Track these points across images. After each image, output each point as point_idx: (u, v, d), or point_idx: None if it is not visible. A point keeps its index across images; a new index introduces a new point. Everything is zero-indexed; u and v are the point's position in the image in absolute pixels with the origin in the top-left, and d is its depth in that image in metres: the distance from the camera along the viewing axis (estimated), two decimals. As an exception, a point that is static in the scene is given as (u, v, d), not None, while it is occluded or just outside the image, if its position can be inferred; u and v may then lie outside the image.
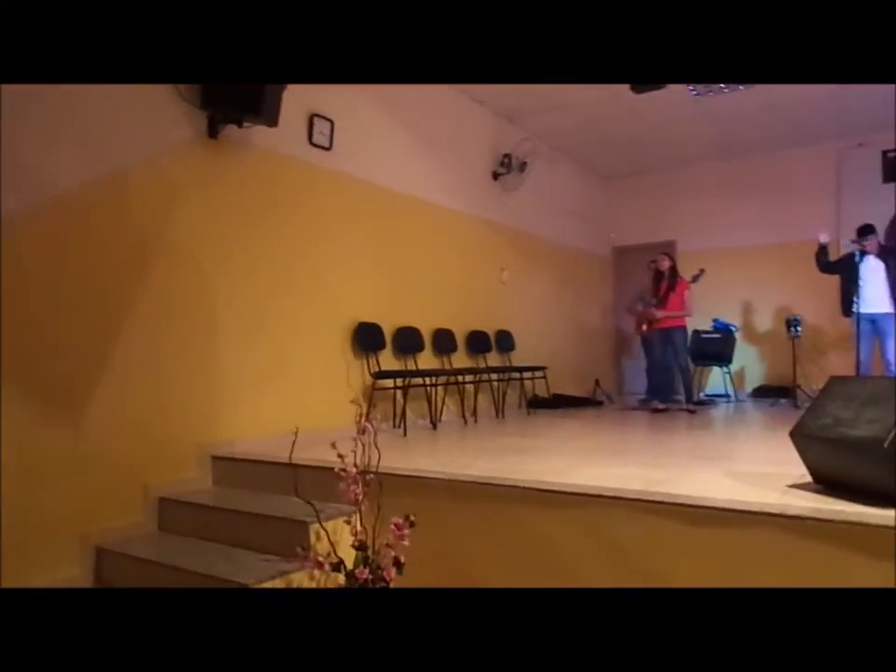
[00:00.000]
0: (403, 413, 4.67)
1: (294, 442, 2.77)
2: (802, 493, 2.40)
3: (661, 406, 5.92)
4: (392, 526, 2.63)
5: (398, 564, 2.62)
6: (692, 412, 5.79)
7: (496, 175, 6.37)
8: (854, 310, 5.39)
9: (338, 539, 2.96)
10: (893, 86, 5.87)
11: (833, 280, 7.31)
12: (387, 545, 2.62)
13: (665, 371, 6.03)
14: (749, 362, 7.81)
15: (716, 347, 7.13)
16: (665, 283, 5.97)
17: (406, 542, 2.60)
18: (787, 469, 2.94)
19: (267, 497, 3.40)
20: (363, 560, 2.66)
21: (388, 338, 5.02)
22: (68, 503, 3.07)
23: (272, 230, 4.18)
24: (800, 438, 2.48)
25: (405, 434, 4.43)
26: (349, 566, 2.68)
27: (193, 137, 3.74)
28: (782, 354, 7.63)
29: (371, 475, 2.77)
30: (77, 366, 3.16)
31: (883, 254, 5.37)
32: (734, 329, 7.40)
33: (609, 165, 8.27)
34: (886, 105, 6.39)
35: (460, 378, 5.36)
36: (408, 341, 5.16)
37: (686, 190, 8.25)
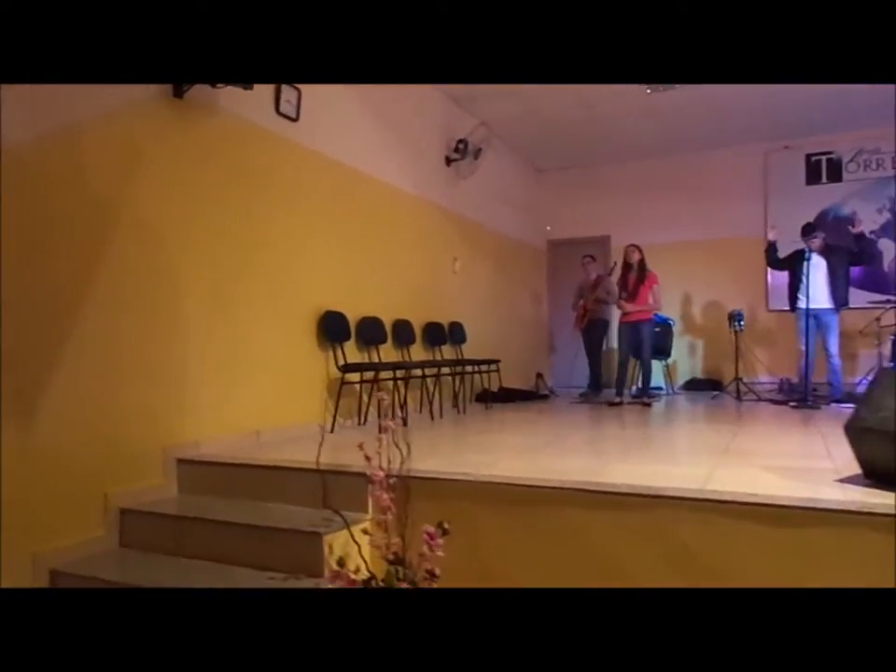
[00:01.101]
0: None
1: (321, 445, 2.42)
2: (859, 488, 2.34)
3: (617, 399, 5.91)
4: (425, 535, 2.36)
5: (432, 576, 2.35)
6: (647, 405, 5.82)
7: (448, 161, 6.13)
8: (799, 306, 5.58)
9: (349, 551, 2.64)
10: (818, 90, 6.16)
11: (759, 276, 7.70)
12: (420, 556, 2.34)
13: (623, 365, 6.04)
14: (679, 356, 8.02)
15: (657, 341, 7.23)
16: (634, 275, 5.94)
17: (441, 553, 2.33)
18: (813, 462, 2.93)
19: (250, 504, 3.00)
20: (396, 575, 2.36)
21: (353, 328, 4.66)
22: (15, 518, 2.55)
23: (238, 206, 3.74)
24: (856, 431, 2.43)
25: (380, 431, 4.10)
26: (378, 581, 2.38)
27: (156, 94, 3.25)
28: (713, 347, 7.91)
29: (395, 478, 2.48)
30: (25, 356, 2.64)
31: (825, 252, 5.59)
32: (672, 322, 7.56)
33: (547, 157, 8.22)
34: (811, 110, 6.71)
35: (428, 371, 5.09)
36: (372, 332, 4.83)
37: (621, 186, 8.35)
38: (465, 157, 6.09)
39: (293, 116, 4.12)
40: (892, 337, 6.39)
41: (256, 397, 3.82)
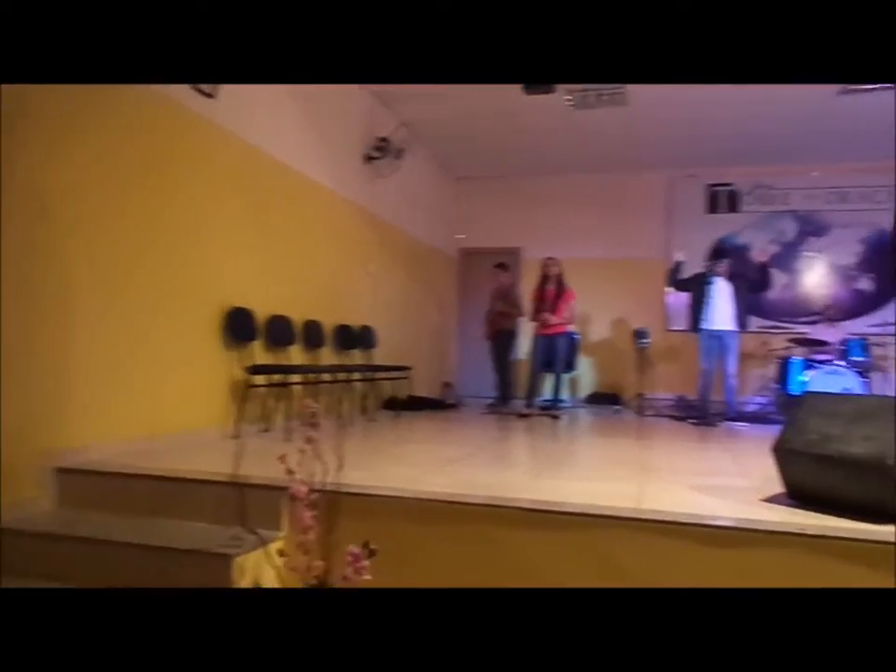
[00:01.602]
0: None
1: (238, 455, 2.16)
2: (786, 508, 2.37)
3: (526, 411, 5.90)
4: (349, 557, 2.16)
5: (355, 602, 2.15)
6: (556, 417, 5.84)
7: (368, 159, 5.93)
8: (703, 327, 5.79)
9: (262, 574, 2.39)
10: (726, 125, 6.48)
11: (659, 297, 8.00)
12: (344, 579, 2.14)
13: (535, 377, 6.04)
14: (581, 370, 8.17)
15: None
16: (553, 288, 5.95)
17: (367, 576, 2.14)
18: (732, 481, 2.98)
19: (145, 521, 2.67)
20: (316, 601, 2.14)
21: (261, 327, 4.36)
22: None
23: (142, 184, 3.38)
24: (783, 453, 2.46)
25: (289, 440, 3.84)
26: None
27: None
28: (613, 363, 8.12)
29: (317, 494, 2.27)
30: None
31: (730, 277, 5.84)
32: (577, 336, 7.68)
33: (466, 165, 8.18)
34: (717, 143, 7.05)
35: (342, 376, 4.85)
36: (281, 332, 4.54)
37: (536, 199, 8.43)
38: (386, 156, 5.91)
39: (209, 91, 3.79)
40: (778, 360, 6.79)
41: (151, 398, 3.46)
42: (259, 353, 4.31)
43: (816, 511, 2.30)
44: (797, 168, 7.51)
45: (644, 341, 6.88)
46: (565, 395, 7.66)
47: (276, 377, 4.24)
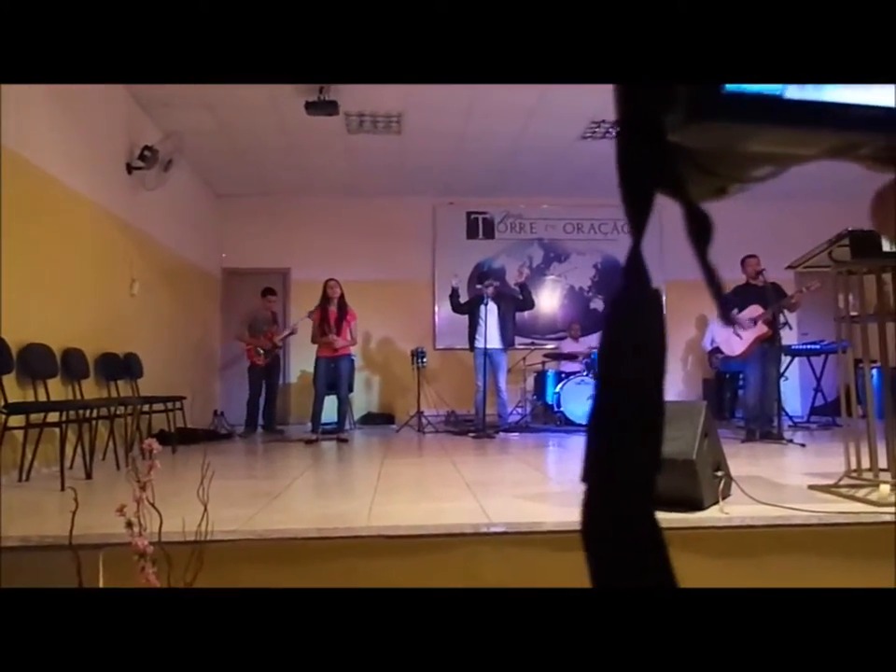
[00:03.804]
0: (62, 458, 3.45)
1: (74, 513, 1.79)
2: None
3: (314, 437, 5.74)
4: (200, 616, 1.92)
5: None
6: (344, 440, 5.78)
7: (130, 168, 5.33)
8: (476, 346, 6.19)
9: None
10: (484, 158, 7.07)
11: (427, 317, 8.39)
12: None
13: (321, 401, 5.90)
14: (355, 391, 8.18)
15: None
16: (335, 310, 5.85)
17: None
18: (547, 487, 3.22)
19: None
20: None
21: (14, 358, 3.66)
22: None
23: None
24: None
25: (63, 488, 3.26)
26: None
27: None
28: (387, 383, 8.28)
29: (151, 547, 1.98)
30: None
31: (496, 298, 6.32)
32: (354, 358, 7.69)
33: (230, 181, 7.75)
34: (474, 175, 7.64)
35: (104, 411, 4.25)
36: (39, 362, 3.86)
37: (304, 220, 8.29)
38: (151, 166, 5.37)
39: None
40: (535, 374, 7.53)
41: None
42: (11, 388, 3.61)
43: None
44: (540, 200, 8.42)
45: (423, 360, 7.14)
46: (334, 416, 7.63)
47: (36, 417, 3.59)
